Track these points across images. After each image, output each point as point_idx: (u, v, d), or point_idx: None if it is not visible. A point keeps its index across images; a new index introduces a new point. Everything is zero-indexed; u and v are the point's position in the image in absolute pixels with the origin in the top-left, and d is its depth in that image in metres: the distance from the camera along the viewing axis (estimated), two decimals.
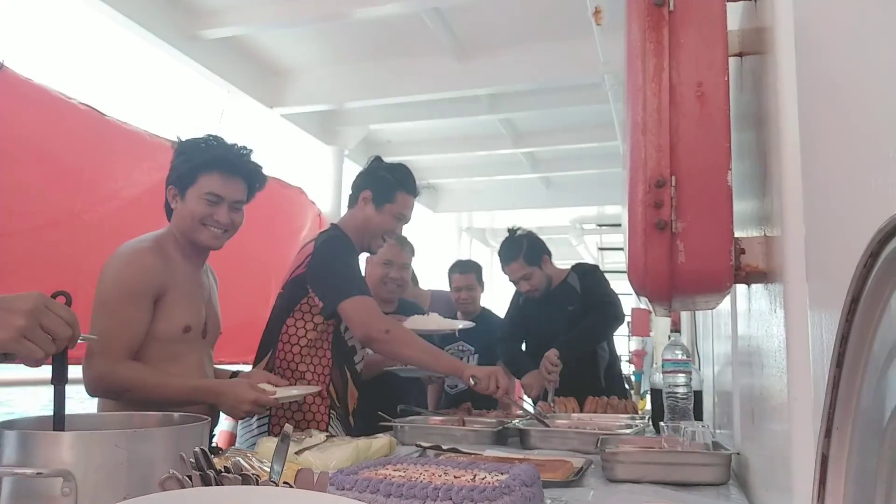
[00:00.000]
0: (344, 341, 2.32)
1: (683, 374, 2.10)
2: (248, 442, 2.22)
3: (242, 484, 0.62)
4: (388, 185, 2.41)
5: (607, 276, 3.42)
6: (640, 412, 2.81)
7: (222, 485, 0.63)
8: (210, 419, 1.09)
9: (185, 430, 1.00)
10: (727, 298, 1.66)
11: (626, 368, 7.38)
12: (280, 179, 4.74)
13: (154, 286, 1.84)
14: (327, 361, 2.28)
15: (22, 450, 0.93)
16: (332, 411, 2.27)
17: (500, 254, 3.30)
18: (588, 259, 9.48)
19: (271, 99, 4.50)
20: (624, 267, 1.11)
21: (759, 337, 1.19)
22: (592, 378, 3.18)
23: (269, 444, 1.62)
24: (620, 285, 3.23)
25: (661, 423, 1.95)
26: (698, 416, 2.20)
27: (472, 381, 2.17)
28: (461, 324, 2.88)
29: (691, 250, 0.98)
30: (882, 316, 0.48)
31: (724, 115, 0.99)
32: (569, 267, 3.39)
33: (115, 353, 1.76)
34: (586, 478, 1.56)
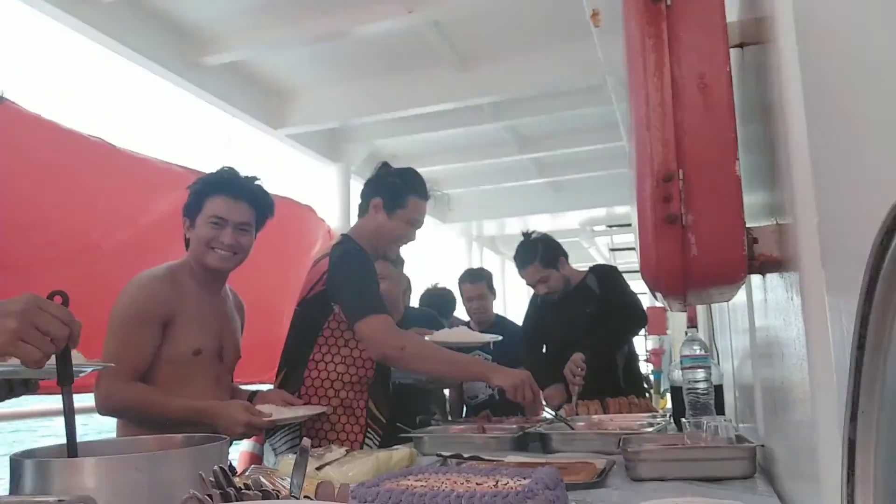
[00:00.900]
0: None
1: (703, 370, 2.08)
2: (275, 462, 2.22)
3: (263, 499, 0.61)
4: (398, 190, 2.35)
5: None
6: (661, 410, 2.79)
7: (243, 501, 0.62)
8: (228, 438, 1.09)
9: (205, 450, 1.00)
10: (742, 290, 1.65)
11: (645, 368, 7.35)
12: (290, 199, 4.76)
13: (162, 311, 1.92)
14: (365, 373, 2.26)
15: (42, 478, 0.94)
16: (369, 430, 2.25)
17: (515, 258, 3.29)
18: (600, 261, 9.45)
19: (276, 120, 4.54)
20: (636, 266, 1.10)
21: (777, 327, 1.17)
22: (611, 379, 3.16)
23: (289, 461, 1.61)
24: (635, 285, 3.22)
25: (683, 420, 1.93)
26: (720, 411, 2.18)
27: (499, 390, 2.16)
28: (489, 337, 2.85)
29: (703, 242, 0.97)
30: None
31: (729, 106, 0.99)
32: (587, 269, 3.38)
33: (121, 374, 1.84)
34: (610, 478, 1.54)
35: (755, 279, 1.45)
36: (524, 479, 1.19)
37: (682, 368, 2.15)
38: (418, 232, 2.46)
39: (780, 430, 1.32)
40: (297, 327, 2.34)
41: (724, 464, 1.51)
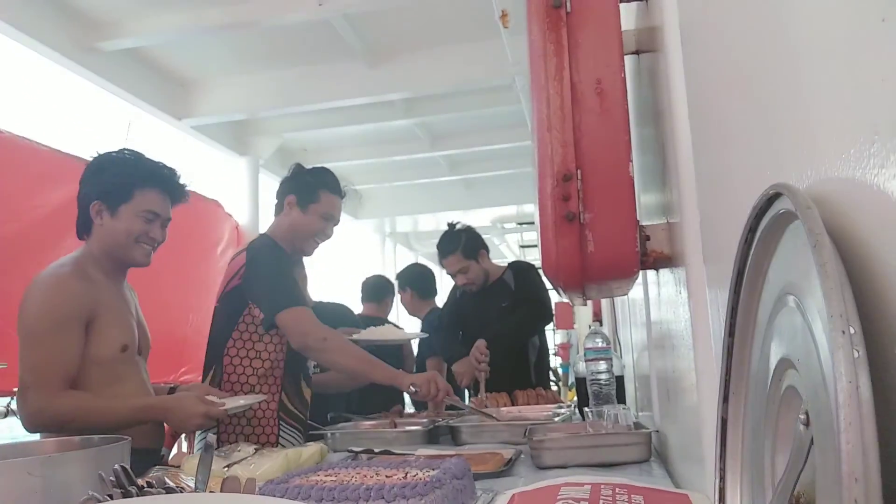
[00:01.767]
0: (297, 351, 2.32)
1: (604, 362, 2.17)
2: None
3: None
4: (310, 186, 2.41)
5: None
6: (569, 402, 2.89)
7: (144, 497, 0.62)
8: (130, 439, 1.06)
9: (104, 451, 0.97)
10: (640, 286, 1.74)
11: (554, 361, 7.55)
12: (195, 192, 4.60)
13: (83, 311, 1.77)
14: (280, 372, 2.28)
15: None
16: (281, 422, 2.26)
17: (438, 247, 3.35)
18: (511, 257, 9.64)
19: (179, 111, 4.38)
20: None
21: (669, 320, 1.25)
22: (522, 372, 3.25)
23: (194, 460, 1.58)
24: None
25: (586, 409, 2.02)
26: (621, 400, 2.28)
27: (411, 389, 2.21)
28: (413, 335, 2.88)
29: (599, 239, 1.02)
30: (763, 286, 0.53)
31: (623, 110, 1.05)
32: (506, 264, 3.46)
33: (51, 385, 1.68)
34: (516, 467, 1.59)
35: (651, 275, 1.53)
36: (433, 470, 1.22)
37: (586, 360, 2.24)
38: (335, 228, 2.50)
39: (672, 417, 1.41)
40: (216, 323, 2.35)
41: (622, 449, 1.59)
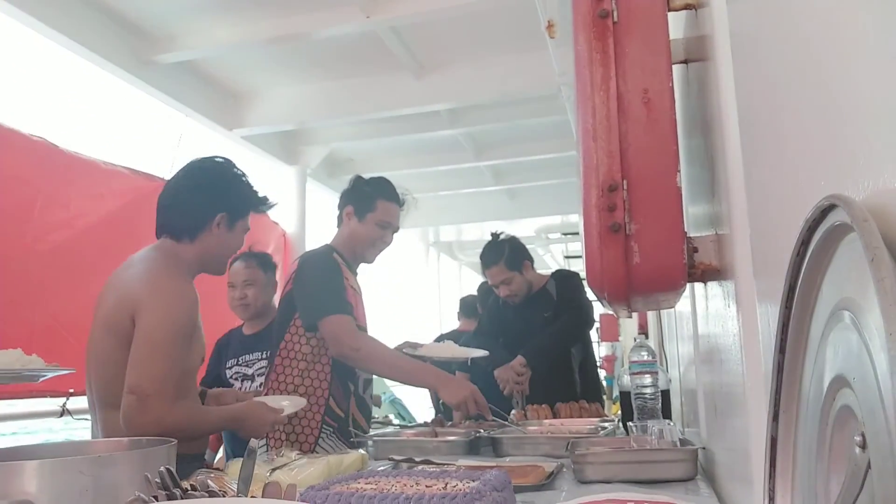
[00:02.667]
0: None
1: (650, 375, 2.13)
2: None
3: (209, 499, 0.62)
4: (367, 195, 2.50)
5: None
6: (613, 416, 2.84)
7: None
8: (176, 441, 1.08)
9: (151, 452, 1.00)
10: (688, 299, 1.71)
11: (599, 374, 7.45)
12: None
13: (196, 320, 1.76)
14: (325, 376, 2.34)
15: None
16: (325, 426, 2.31)
17: (481, 257, 3.34)
18: (555, 268, 9.57)
19: (231, 121, 4.48)
20: None
21: (717, 334, 1.22)
22: (567, 383, 3.20)
23: (237, 464, 1.60)
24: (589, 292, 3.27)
25: (630, 424, 1.98)
26: (667, 415, 2.23)
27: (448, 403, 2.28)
28: (475, 352, 2.86)
29: (645, 250, 1.01)
30: (816, 301, 0.51)
31: (671, 120, 1.03)
32: (549, 273, 3.43)
33: (171, 395, 1.65)
34: (558, 481, 1.57)
35: (699, 288, 1.50)
36: (473, 481, 1.21)
37: (631, 374, 2.20)
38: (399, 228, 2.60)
39: (720, 434, 1.37)
40: (274, 327, 2.46)
41: (666, 466, 1.55)
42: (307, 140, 5.17)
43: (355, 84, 4.36)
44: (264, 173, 5.33)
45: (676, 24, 1.32)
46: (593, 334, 5.15)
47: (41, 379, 1.87)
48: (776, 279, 0.62)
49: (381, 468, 1.72)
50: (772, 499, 0.57)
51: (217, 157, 1.99)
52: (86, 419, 2.71)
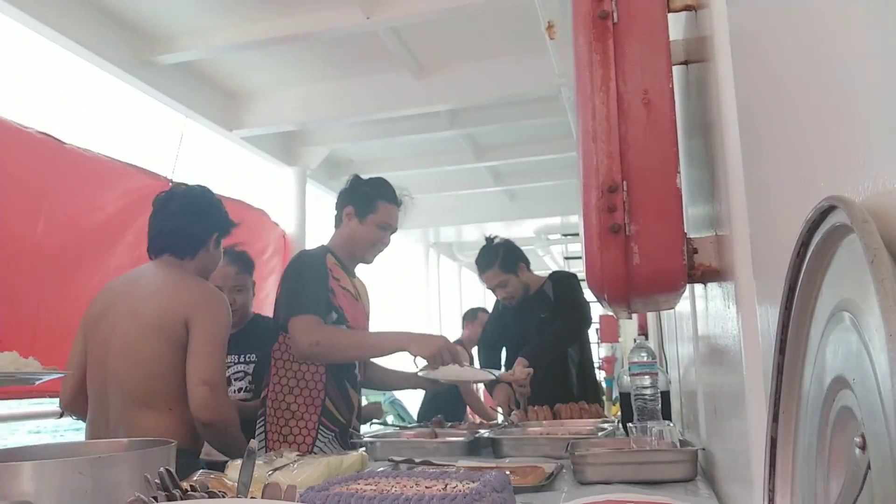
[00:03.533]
0: None
1: (649, 376, 2.13)
2: None
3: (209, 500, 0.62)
4: (368, 197, 2.49)
5: None
6: (613, 417, 2.84)
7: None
8: (175, 442, 1.08)
9: (150, 453, 1.00)
10: (687, 300, 1.71)
11: (598, 375, 7.45)
12: (242, 202, 4.71)
13: None
14: (321, 377, 2.33)
15: None
16: (321, 428, 2.31)
17: (476, 262, 3.35)
18: (555, 269, 9.57)
19: (231, 122, 4.49)
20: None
21: (717, 335, 1.22)
22: (565, 385, 3.21)
23: (237, 465, 1.60)
24: (588, 293, 3.26)
25: (630, 425, 1.98)
26: (667, 416, 2.23)
27: (417, 359, 2.30)
28: (497, 373, 2.85)
29: (645, 251, 1.01)
30: (816, 302, 0.51)
31: (671, 121, 1.03)
32: (546, 275, 3.43)
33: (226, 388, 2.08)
34: (558, 482, 1.57)
35: (698, 289, 1.50)
36: (473, 482, 1.21)
37: (630, 375, 2.20)
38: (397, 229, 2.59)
39: (720, 435, 1.37)
40: (270, 325, 2.47)
41: (666, 467, 1.55)
42: (307, 141, 5.18)
43: (355, 85, 4.36)
44: (264, 174, 5.34)
45: (676, 26, 1.32)
46: (593, 335, 5.15)
47: (37, 382, 1.87)
48: (776, 280, 0.62)
49: (381, 469, 1.72)
50: (771, 500, 0.57)
51: (197, 185, 2.28)
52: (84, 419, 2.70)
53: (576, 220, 7.65)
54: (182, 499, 0.65)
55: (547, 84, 3.92)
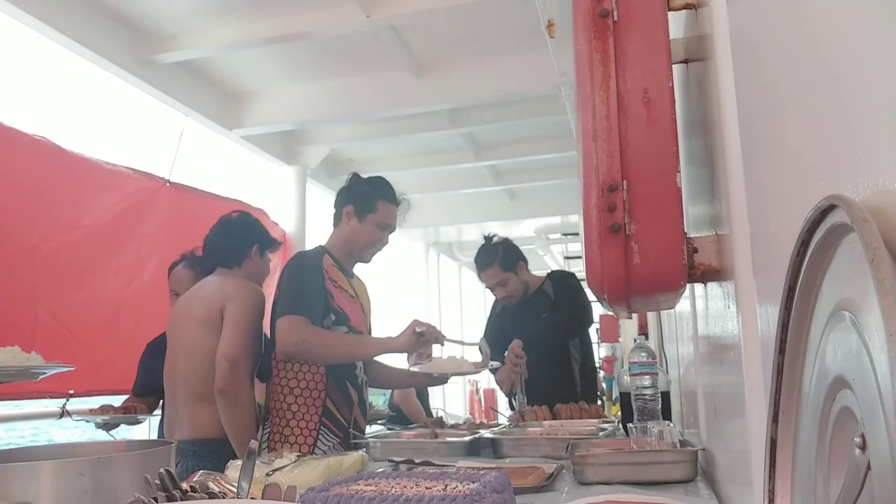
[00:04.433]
0: None
1: (649, 376, 2.13)
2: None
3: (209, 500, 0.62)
4: (368, 196, 2.48)
5: None
6: (613, 417, 2.84)
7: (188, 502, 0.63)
8: (175, 443, 1.08)
9: (151, 454, 0.99)
10: (687, 300, 1.71)
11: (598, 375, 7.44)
12: (241, 201, 4.71)
13: (263, 313, 2.49)
14: (321, 377, 2.33)
15: None
16: (322, 427, 2.31)
17: (475, 261, 3.31)
18: (555, 268, 9.56)
19: (230, 121, 4.48)
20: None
21: (717, 335, 1.22)
22: (568, 384, 3.20)
23: (237, 465, 1.60)
24: (589, 291, 3.25)
25: (630, 425, 1.98)
26: (667, 416, 2.23)
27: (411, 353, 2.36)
28: (492, 364, 2.83)
29: (645, 251, 1.00)
30: (816, 301, 0.51)
31: (671, 120, 1.03)
32: (545, 274, 3.41)
33: (248, 372, 2.36)
34: (558, 482, 1.57)
35: (698, 288, 1.50)
36: (473, 483, 1.21)
37: (630, 375, 2.19)
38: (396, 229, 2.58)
39: (720, 435, 1.37)
40: (271, 329, 2.44)
41: (666, 467, 1.55)
42: (307, 140, 5.17)
43: (355, 84, 4.35)
44: (264, 173, 5.33)
45: (676, 24, 1.32)
46: (593, 335, 5.14)
47: (41, 377, 1.87)
48: (776, 279, 0.62)
49: (381, 470, 1.72)
50: (771, 500, 0.57)
51: (238, 212, 2.71)
52: (84, 419, 2.71)
53: (576, 219, 7.65)
54: (182, 499, 0.65)
55: (547, 83, 3.91)
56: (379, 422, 3.40)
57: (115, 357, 3.38)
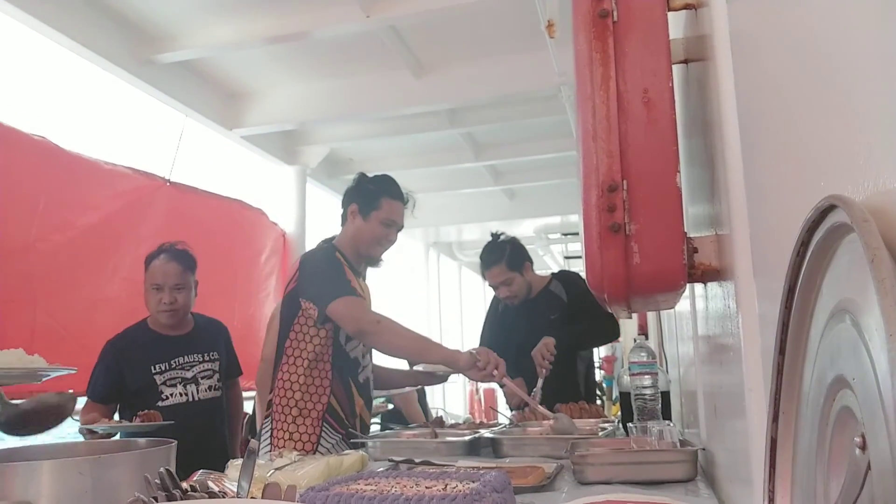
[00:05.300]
0: (346, 353, 2.39)
1: (649, 376, 2.13)
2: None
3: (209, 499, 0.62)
4: (372, 194, 2.49)
5: None
6: (613, 417, 2.83)
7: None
8: (175, 442, 1.08)
9: (150, 453, 0.99)
10: (687, 300, 1.71)
11: (598, 375, 7.45)
12: (241, 201, 4.71)
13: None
14: (327, 374, 2.34)
15: None
16: (325, 425, 2.33)
17: (481, 258, 3.26)
18: (555, 268, 9.56)
19: (230, 121, 4.48)
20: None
21: (717, 335, 1.22)
22: (572, 385, 3.18)
23: (237, 465, 1.61)
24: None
25: (630, 425, 1.98)
26: (667, 416, 2.23)
27: (469, 367, 2.23)
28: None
29: (645, 251, 1.00)
30: (816, 301, 0.51)
31: (671, 120, 1.03)
32: (548, 274, 3.38)
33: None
34: (558, 482, 1.57)
35: (698, 288, 1.50)
36: (473, 482, 1.21)
37: (630, 375, 2.20)
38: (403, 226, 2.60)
39: (720, 435, 1.37)
40: (281, 327, 2.45)
41: (666, 467, 1.55)
42: (307, 140, 5.17)
43: (355, 84, 4.35)
44: (264, 173, 5.33)
45: (676, 24, 1.32)
46: None
47: (44, 379, 1.87)
48: (776, 280, 0.62)
49: (381, 469, 1.72)
50: (771, 500, 0.57)
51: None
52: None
53: (576, 219, 7.64)
54: (182, 499, 0.65)
55: (547, 83, 3.91)
56: (373, 420, 3.39)
57: None
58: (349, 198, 2.53)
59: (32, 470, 0.92)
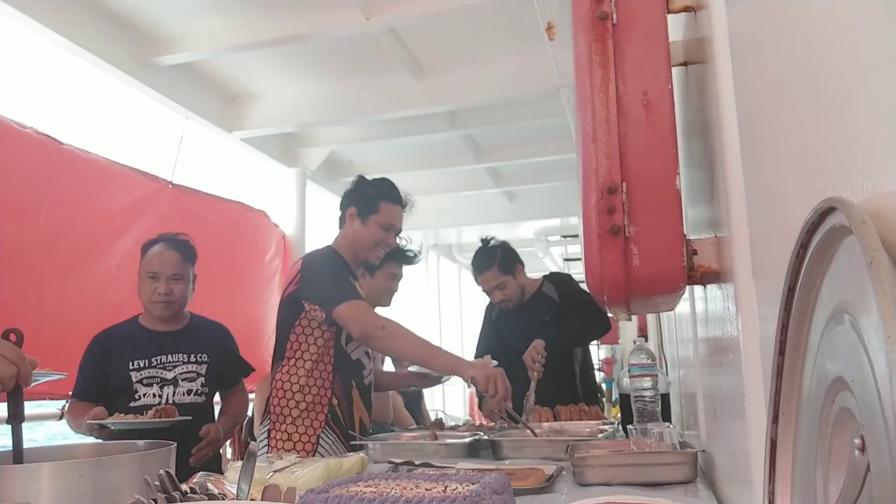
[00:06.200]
0: (348, 355, 2.39)
1: (649, 378, 2.13)
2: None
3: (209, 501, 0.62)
4: (371, 197, 2.49)
5: None
6: (613, 419, 2.83)
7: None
8: (175, 444, 1.08)
9: (150, 455, 0.99)
10: (687, 301, 1.71)
11: (598, 376, 7.44)
12: (242, 203, 4.71)
13: None
14: (328, 375, 2.34)
15: None
16: (326, 427, 2.33)
17: (473, 264, 3.26)
18: (555, 270, 9.55)
19: (230, 123, 4.48)
20: None
21: (717, 337, 1.22)
22: (569, 386, 3.17)
23: (237, 466, 1.60)
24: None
25: (630, 427, 1.98)
26: (666, 418, 2.23)
27: (471, 382, 2.23)
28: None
29: (645, 253, 1.01)
30: (815, 303, 0.51)
31: (670, 123, 1.03)
32: (540, 277, 3.38)
33: None
34: (558, 484, 1.57)
35: (698, 290, 1.50)
36: (473, 484, 1.21)
37: (630, 377, 2.20)
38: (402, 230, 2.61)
39: (719, 437, 1.37)
40: (279, 329, 2.45)
41: (666, 469, 1.55)
42: (307, 142, 5.17)
43: (355, 86, 4.36)
44: (264, 175, 5.33)
45: (676, 27, 1.32)
46: None
47: (34, 384, 1.87)
48: (775, 282, 0.62)
49: (381, 471, 1.72)
50: (771, 501, 0.57)
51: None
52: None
53: (575, 221, 7.65)
54: (182, 501, 0.65)
55: (546, 85, 3.91)
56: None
57: None
58: (347, 201, 2.53)
59: (32, 472, 0.92)
